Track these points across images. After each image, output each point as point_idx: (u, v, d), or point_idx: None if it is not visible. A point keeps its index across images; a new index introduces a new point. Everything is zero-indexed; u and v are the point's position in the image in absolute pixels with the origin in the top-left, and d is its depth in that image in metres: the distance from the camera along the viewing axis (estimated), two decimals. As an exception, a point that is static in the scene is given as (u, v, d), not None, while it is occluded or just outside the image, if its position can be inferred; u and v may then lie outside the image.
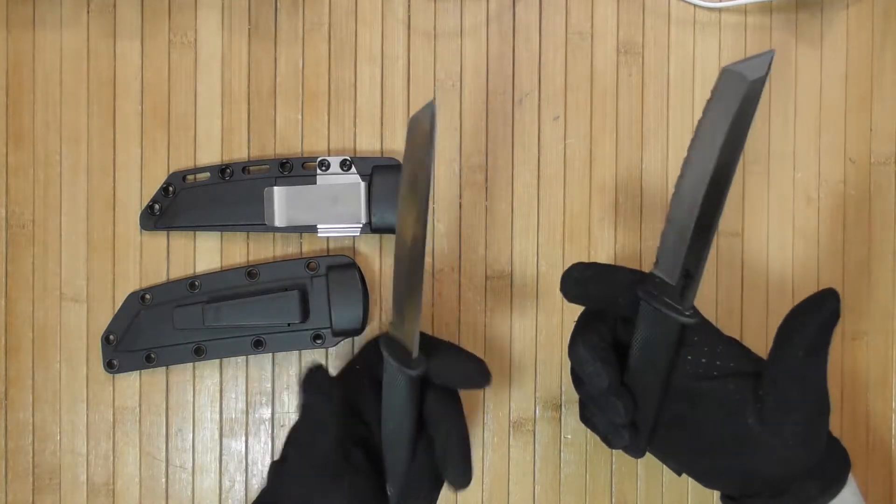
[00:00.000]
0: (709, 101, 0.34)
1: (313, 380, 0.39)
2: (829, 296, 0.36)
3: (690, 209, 0.35)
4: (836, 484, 0.37)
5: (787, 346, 0.36)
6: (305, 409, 0.39)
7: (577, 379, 0.41)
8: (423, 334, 0.38)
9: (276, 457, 0.40)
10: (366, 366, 0.39)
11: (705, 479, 0.40)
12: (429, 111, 0.31)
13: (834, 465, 0.38)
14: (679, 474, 0.41)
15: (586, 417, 0.42)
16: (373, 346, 0.40)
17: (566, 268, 0.41)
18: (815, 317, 0.36)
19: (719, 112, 0.33)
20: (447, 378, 0.38)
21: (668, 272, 0.37)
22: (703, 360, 0.38)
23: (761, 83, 0.33)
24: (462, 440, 0.37)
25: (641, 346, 0.38)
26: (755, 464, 0.37)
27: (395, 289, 0.36)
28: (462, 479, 0.37)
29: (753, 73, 0.32)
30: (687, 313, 0.37)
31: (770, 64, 0.32)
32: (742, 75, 0.33)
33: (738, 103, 0.33)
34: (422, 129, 0.32)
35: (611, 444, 0.40)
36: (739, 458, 0.37)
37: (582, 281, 0.40)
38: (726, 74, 0.33)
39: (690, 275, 0.36)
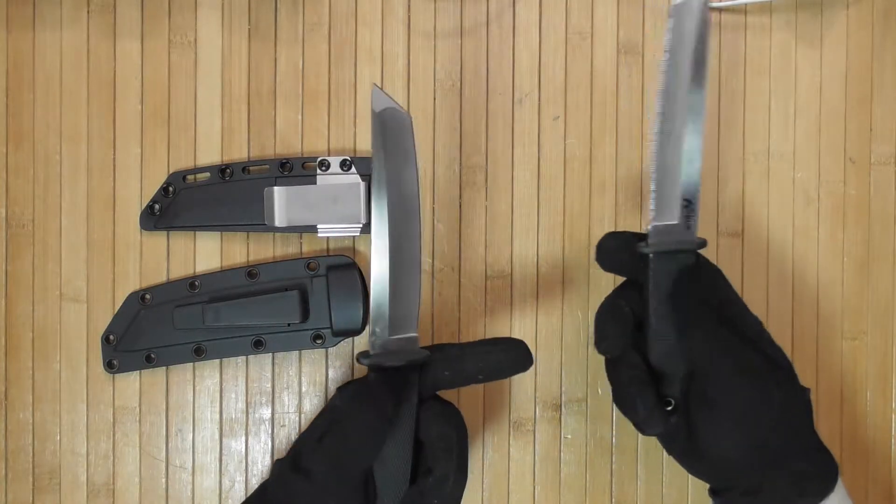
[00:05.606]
0: (669, 39, 0.37)
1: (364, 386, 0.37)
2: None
3: (678, 131, 0.37)
4: (813, 487, 0.37)
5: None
6: (349, 418, 0.37)
7: (599, 336, 0.40)
8: (433, 346, 0.39)
9: (285, 454, 0.39)
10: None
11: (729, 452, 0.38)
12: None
13: (813, 469, 0.37)
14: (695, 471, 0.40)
15: (609, 371, 0.40)
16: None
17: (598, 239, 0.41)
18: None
19: (680, 41, 0.36)
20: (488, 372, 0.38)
21: (669, 214, 0.38)
22: (739, 330, 0.38)
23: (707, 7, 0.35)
24: (457, 491, 0.36)
25: (654, 296, 0.38)
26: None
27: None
28: None
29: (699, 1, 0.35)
30: (697, 241, 0.38)
31: None
32: (691, 4, 0.35)
33: (696, 28, 0.34)
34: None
35: (624, 405, 0.39)
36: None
37: (609, 251, 0.40)
38: (677, 9, 0.36)
39: (690, 203, 0.37)
